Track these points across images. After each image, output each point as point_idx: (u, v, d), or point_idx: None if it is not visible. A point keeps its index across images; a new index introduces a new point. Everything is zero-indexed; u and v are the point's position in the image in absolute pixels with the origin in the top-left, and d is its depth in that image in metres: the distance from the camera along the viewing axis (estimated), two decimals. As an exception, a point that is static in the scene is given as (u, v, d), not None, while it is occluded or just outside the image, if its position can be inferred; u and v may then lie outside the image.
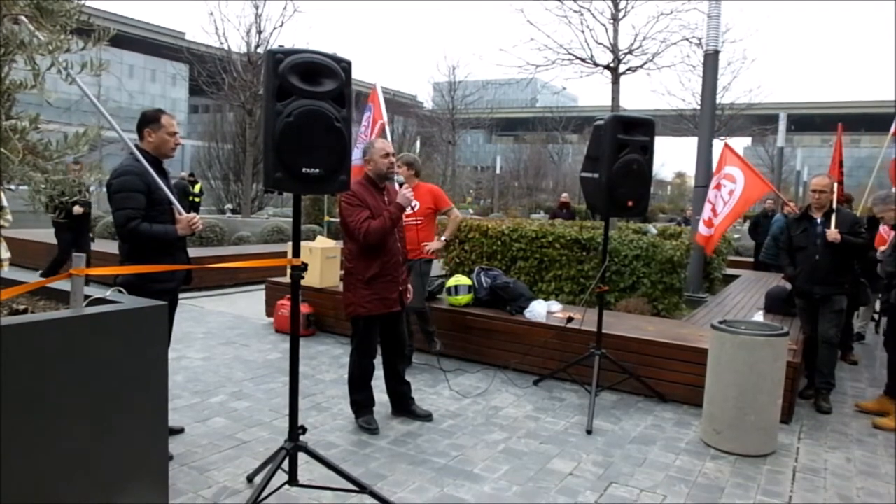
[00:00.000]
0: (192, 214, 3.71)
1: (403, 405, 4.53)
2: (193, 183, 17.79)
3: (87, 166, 2.56)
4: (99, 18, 2.52)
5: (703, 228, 6.61)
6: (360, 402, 4.32)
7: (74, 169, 2.74)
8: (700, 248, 7.38)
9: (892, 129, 7.82)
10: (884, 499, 3.62)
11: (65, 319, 2.22)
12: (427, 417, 4.48)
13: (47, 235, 11.17)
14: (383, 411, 4.52)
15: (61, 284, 2.51)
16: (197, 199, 17.60)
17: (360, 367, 4.28)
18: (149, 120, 3.67)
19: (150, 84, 54.78)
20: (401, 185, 4.16)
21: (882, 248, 5.15)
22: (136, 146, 3.58)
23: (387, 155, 4.15)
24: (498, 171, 39.73)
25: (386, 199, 4.16)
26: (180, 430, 4.04)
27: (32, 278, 2.62)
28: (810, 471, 3.95)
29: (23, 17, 2.26)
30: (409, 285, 4.52)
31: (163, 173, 3.69)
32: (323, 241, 7.43)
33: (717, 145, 8.20)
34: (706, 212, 6.58)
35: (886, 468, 4.05)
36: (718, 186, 6.46)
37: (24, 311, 2.45)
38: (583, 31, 12.50)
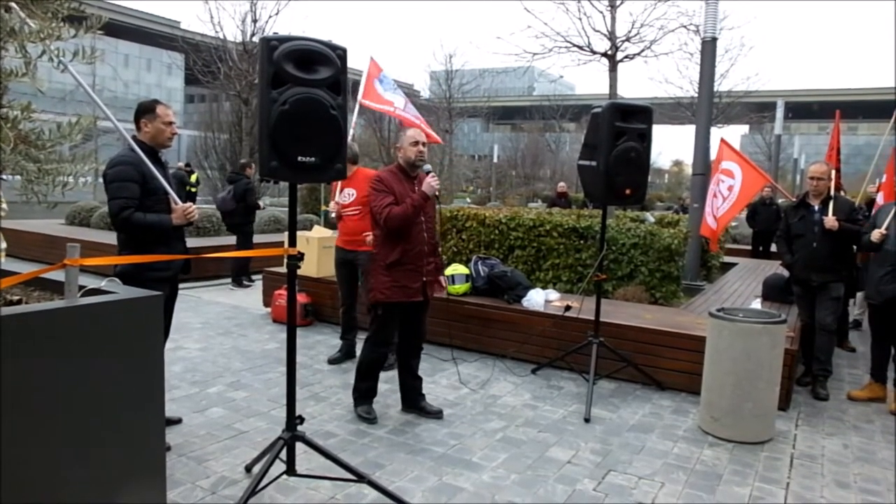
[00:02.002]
0: (188, 204, 3.71)
1: (412, 400, 4.44)
2: (190, 173, 17.73)
3: (81, 156, 2.53)
4: (91, 7, 2.49)
5: (710, 221, 6.63)
6: (364, 390, 4.31)
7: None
8: (702, 239, 7.40)
9: (894, 118, 7.78)
10: (881, 484, 3.64)
11: (59, 310, 2.20)
12: (437, 415, 4.38)
13: (41, 226, 11.15)
14: (381, 401, 4.52)
15: (56, 275, 2.49)
16: (193, 189, 17.55)
17: (371, 354, 4.24)
18: (144, 110, 3.67)
19: (146, 73, 54.47)
20: (427, 173, 4.11)
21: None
22: (133, 137, 3.57)
23: (416, 143, 4.11)
24: (495, 159, 39.68)
25: (416, 188, 4.11)
26: (178, 421, 4.04)
27: (27, 269, 2.60)
28: (808, 457, 3.97)
29: (13, 4, 2.22)
30: (442, 278, 4.48)
31: (159, 163, 3.69)
32: (320, 231, 7.40)
33: (715, 133, 8.19)
34: (710, 205, 6.61)
35: (883, 454, 4.07)
36: (717, 182, 6.49)
37: (19, 302, 2.43)
38: (580, 19, 12.47)
